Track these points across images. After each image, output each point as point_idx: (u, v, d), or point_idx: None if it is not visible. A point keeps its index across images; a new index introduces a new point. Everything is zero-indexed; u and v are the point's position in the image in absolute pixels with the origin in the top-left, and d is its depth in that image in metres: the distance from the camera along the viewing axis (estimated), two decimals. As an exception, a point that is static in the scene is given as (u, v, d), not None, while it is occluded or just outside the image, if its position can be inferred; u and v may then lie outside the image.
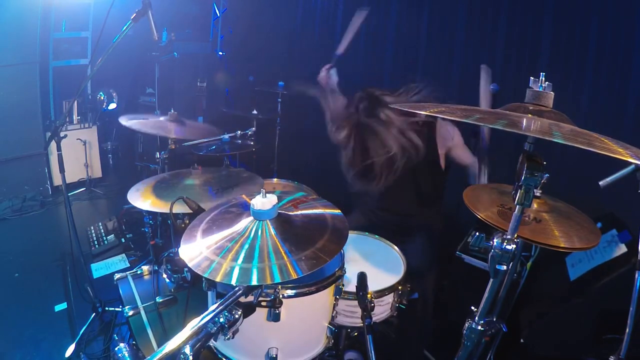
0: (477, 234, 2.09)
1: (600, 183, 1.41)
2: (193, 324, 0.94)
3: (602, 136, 0.84)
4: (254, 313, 1.09)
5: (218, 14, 5.02)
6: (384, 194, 2.04)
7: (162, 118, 2.28)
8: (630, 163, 1.29)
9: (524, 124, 0.85)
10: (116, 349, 0.99)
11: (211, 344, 1.22)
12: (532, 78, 0.97)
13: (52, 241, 3.19)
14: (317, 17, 4.00)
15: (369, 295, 1.33)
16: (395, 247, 1.72)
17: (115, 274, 2.06)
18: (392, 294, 1.49)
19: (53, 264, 2.85)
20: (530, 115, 0.92)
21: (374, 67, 3.44)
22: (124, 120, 2.17)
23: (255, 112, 3.41)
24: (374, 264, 1.63)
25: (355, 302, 1.34)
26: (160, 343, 1.47)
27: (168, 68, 4.51)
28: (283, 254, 1.04)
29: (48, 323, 2.31)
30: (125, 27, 1.83)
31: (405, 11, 3.22)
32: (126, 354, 0.97)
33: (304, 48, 4.13)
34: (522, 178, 0.94)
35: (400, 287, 1.51)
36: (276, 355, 1.18)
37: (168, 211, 1.41)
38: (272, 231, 1.11)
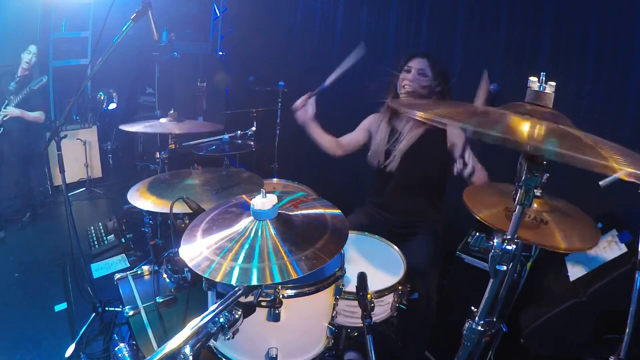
0: (477, 234, 2.09)
1: (600, 183, 1.41)
2: (193, 324, 0.94)
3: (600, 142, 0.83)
4: (254, 313, 1.09)
5: (218, 14, 5.02)
6: (386, 192, 2.05)
7: (162, 120, 2.28)
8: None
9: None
10: (116, 349, 0.98)
11: (211, 344, 1.22)
12: (530, 78, 0.97)
13: (52, 241, 3.19)
14: (317, 17, 4.00)
15: (369, 296, 1.33)
16: (395, 247, 1.72)
17: (116, 274, 2.06)
18: (392, 294, 1.49)
19: (53, 264, 2.85)
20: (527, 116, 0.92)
21: (374, 67, 3.44)
22: (126, 127, 2.19)
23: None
24: (374, 264, 1.63)
25: (355, 302, 1.33)
26: (160, 343, 1.48)
27: (168, 68, 4.52)
28: (283, 254, 1.04)
29: (48, 323, 2.31)
30: (125, 27, 1.83)
31: (405, 11, 3.22)
32: (126, 354, 0.97)
33: (304, 48, 4.13)
34: (522, 178, 0.94)
35: (400, 287, 1.51)
36: (276, 355, 1.18)
37: (168, 211, 1.41)
38: (272, 231, 1.11)
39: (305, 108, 1.94)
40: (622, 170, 0.72)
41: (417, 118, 0.92)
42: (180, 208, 1.46)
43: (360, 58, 3.22)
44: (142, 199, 1.69)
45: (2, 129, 3.28)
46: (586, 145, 0.81)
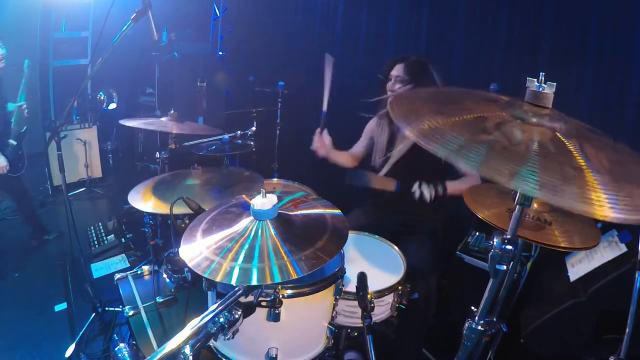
0: (477, 234, 2.09)
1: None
2: (193, 324, 0.94)
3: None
4: (254, 313, 1.09)
5: (218, 14, 5.03)
6: (386, 192, 2.04)
7: (163, 119, 2.28)
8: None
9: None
10: (116, 349, 0.98)
11: (211, 344, 1.22)
12: (528, 78, 0.97)
13: (52, 241, 3.19)
14: (317, 17, 4.00)
15: (369, 296, 1.33)
16: (395, 247, 1.72)
17: (116, 274, 2.05)
18: (392, 294, 1.49)
19: (53, 264, 2.85)
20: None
21: (374, 67, 3.44)
22: (126, 121, 2.17)
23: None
24: (374, 264, 1.63)
25: (355, 302, 1.34)
26: (161, 343, 1.47)
27: (168, 68, 4.51)
28: (283, 254, 1.04)
29: (48, 323, 2.31)
30: (125, 27, 1.83)
31: (405, 11, 3.23)
32: (126, 354, 0.97)
33: (304, 48, 4.14)
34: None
35: (400, 287, 1.51)
36: (276, 355, 1.18)
37: (168, 212, 1.41)
38: (272, 231, 1.11)
39: (324, 143, 2.03)
40: (603, 214, 0.68)
41: (408, 136, 0.87)
42: (180, 208, 1.46)
43: (361, 58, 3.23)
44: (143, 201, 1.69)
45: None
46: (575, 169, 0.76)
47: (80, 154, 4.20)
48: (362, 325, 1.26)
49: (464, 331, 1.17)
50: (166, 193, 1.74)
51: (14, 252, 3.05)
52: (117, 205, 3.68)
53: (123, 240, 3.09)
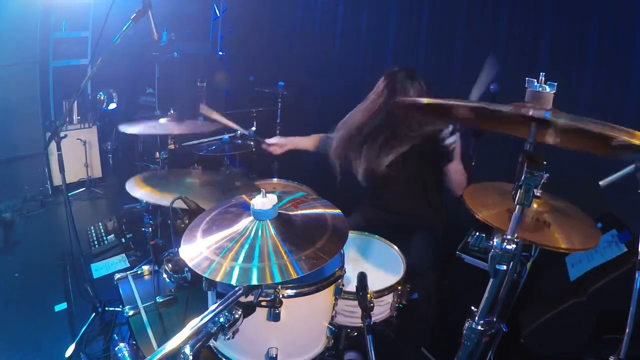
0: (477, 234, 2.09)
1: (600, 183, 1.41)
2: (193, 324, 0.94)
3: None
4: (254, 313, 1.09)
5: (218, 14, 5.02)
6: (385, 192, 2.04)
7: (162, 120, 2.28)
8: (631, 162, 1.29)
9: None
10: (116, 349, 0.99)
11: (211, 344, 1.22)
12: (527, 78, 0.97)
13: (52, 241, 3.19)
14: (317, 17, 4.00)
15: (368, 295, 1.33)
16: (395, 247, 1.72)
17: (116, 274, 2.05)
18: (391, 294, 1.49)
19: (53, 264, 2.85)
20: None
21: (374, 67, 3.44)
22: (125, 128, 2.17)
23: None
24: (374, 264, 1.63)
25: (355, 302, 1.34)
26: (160, 343, 1.47)
27: (168, 68, 4.51)
28: (283, 254, 1.04)
29: (48, 323, 2.30)
30: (125, 27, 1.83)
31: (405, 11, 3.23)
32: (126, 354, 0.97)
33: (304, 48, 4.14)
34: (522, 178, 0.94)
35: (399, 287, 1.51)
36: (276, 355, 1.18)
37: (164, 204, 1.41)
38: (272, 231, 1.11)
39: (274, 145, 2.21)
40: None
41: (425, 102, 0.95)
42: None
43: (361, 58, 3.17)
44: (140, 190, 1.69)
45: None
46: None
47: (80, 154, 4.19)
48: (362, 325, 1.26)
49: (464, 331, 1.17)
50: (165, 189, 1.74)
51: (14, 252, 3.04)
52: (117, 205, 3.68)
53: (123, 240, 3.09)
